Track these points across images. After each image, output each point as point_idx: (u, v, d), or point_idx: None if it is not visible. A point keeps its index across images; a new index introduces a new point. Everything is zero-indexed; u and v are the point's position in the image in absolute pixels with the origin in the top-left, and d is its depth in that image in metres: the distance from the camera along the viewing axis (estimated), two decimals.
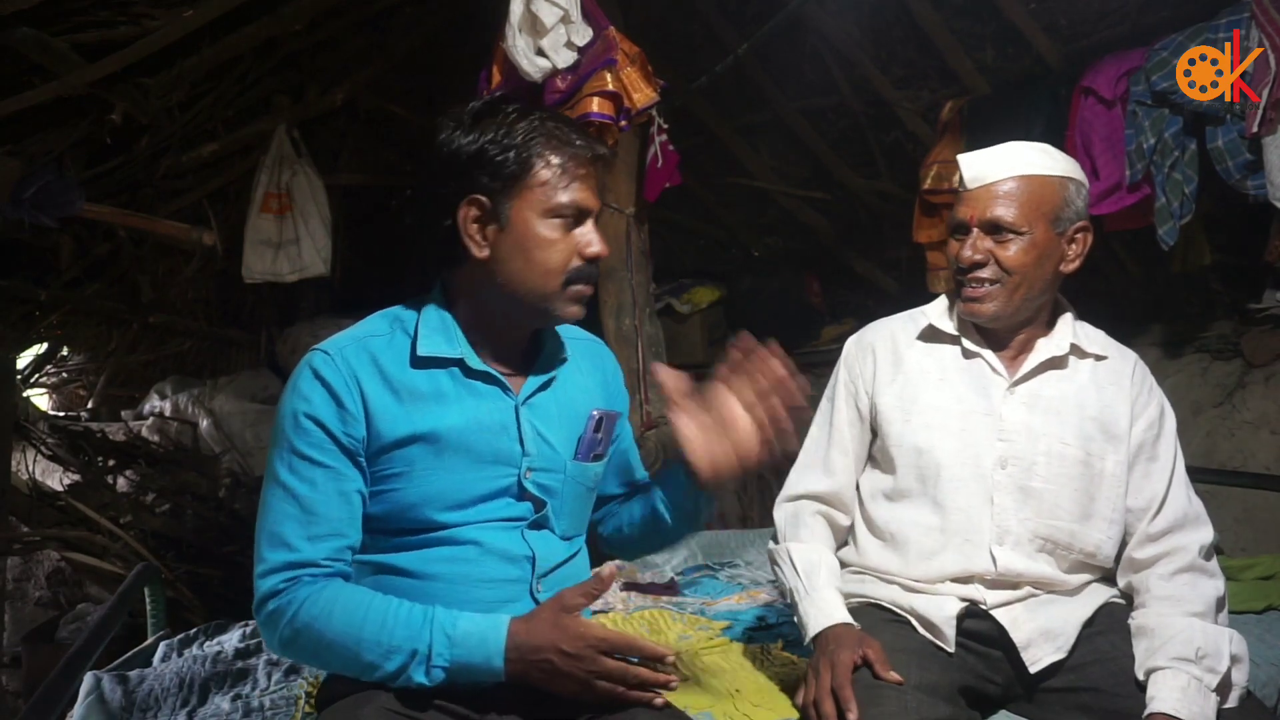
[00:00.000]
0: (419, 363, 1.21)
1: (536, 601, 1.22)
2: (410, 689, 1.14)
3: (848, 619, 1.40)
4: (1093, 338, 1.54)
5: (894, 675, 1.28)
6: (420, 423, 1.18)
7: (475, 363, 1.22)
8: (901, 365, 1.55)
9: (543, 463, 1.25)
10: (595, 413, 1.32)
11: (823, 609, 1.41)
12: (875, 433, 1.56)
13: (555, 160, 1.18)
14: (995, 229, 1.43)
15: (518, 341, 1.29)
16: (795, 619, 1.46)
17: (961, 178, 1.49)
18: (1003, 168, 1.45)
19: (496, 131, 1.17)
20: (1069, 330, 1.51)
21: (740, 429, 1.22)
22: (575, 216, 1.20)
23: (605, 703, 1.13)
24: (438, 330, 1.22)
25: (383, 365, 1.20)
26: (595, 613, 1.96)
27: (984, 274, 1.44)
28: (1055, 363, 1.49)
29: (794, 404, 1.23)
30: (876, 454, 1.57)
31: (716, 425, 1.23)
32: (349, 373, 1.17)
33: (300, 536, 1.15)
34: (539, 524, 1.26)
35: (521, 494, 1.24)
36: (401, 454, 1.18)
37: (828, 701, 1.27)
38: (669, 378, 1.26)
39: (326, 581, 1.15)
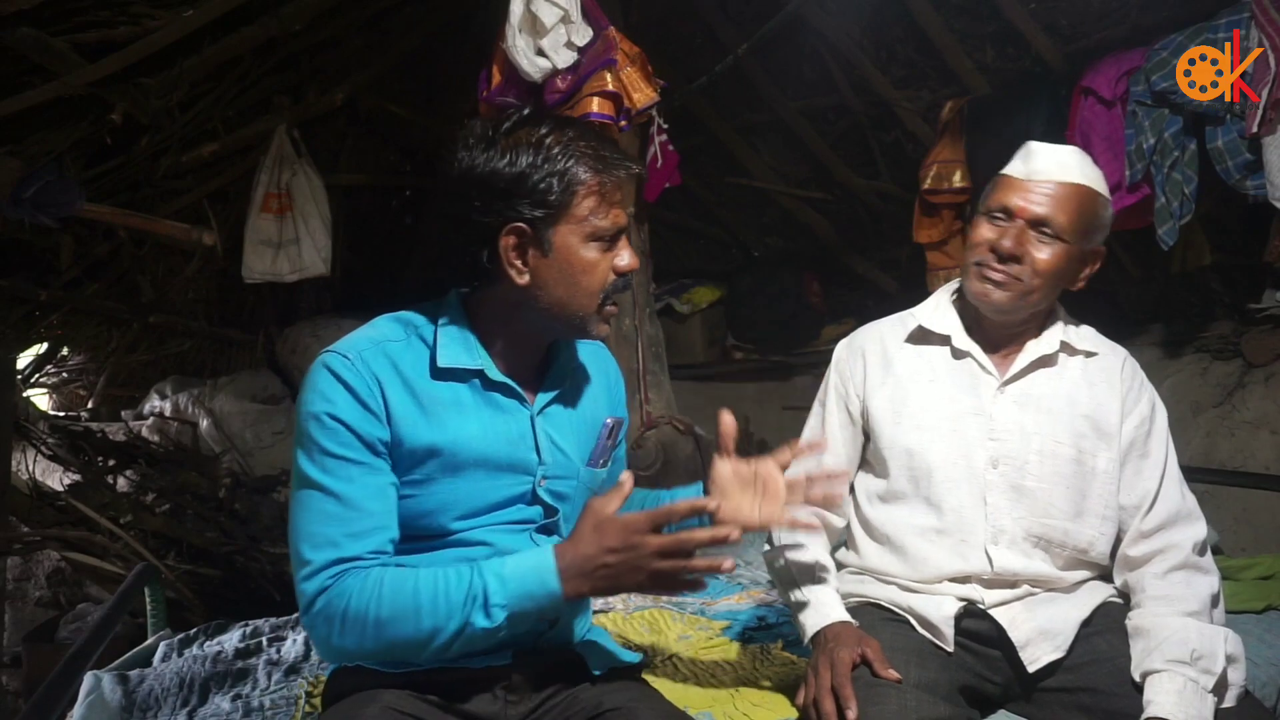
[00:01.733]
0: (439, 373, 1.20)
1: None
2: (419, 683, 1.15)
3: (845, 617, 1.40)
4: (1082, 335, 1.54)
5: (892, 673, 1.28)
6: (441, 432, 1.18)
7: (495, 374, 1.22)
8: (891, 367, 1.55)
9: (557, 470, 1.26)
10: (609, 421, 1.35)
11: (819, 609, 1.41)
12: (868, 436, 1.57)
13: (597, 186, 1.16)
14: (1042, 226, 1.41)
15: (535, 353, 1.29)
16: (794, 621, 1.46)
17: (1020, 162, 1.45)
18: (1070, 171, 1.42)
19: (536, 156, 1.14)
20: (1058, 328, 1.51)
21: (773, 493, 1.28)
22: (613, 237, 1.20)
23: (675, 583, 1.09)
24: (458, 341, 1.22)
25: (403, 371, 1.18)
26: (595, 612, 1.96)
27: (1014, 269, 1.41)
28: (1045, 361, 1.49)
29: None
30: (870, 457, 1.57)
31: (751, 481, 1.29)
32: (369, 375, 1.16)
33: (343, 534, 1.12)
34: (548, 528, 1.26)
35: (534, 500, 1.25)
36: (420, 463, 1.18)
37: (828, 700, 1.27)
38: (728, 426, 1.29)
39: (371, 569, 1.12)
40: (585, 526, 1.09)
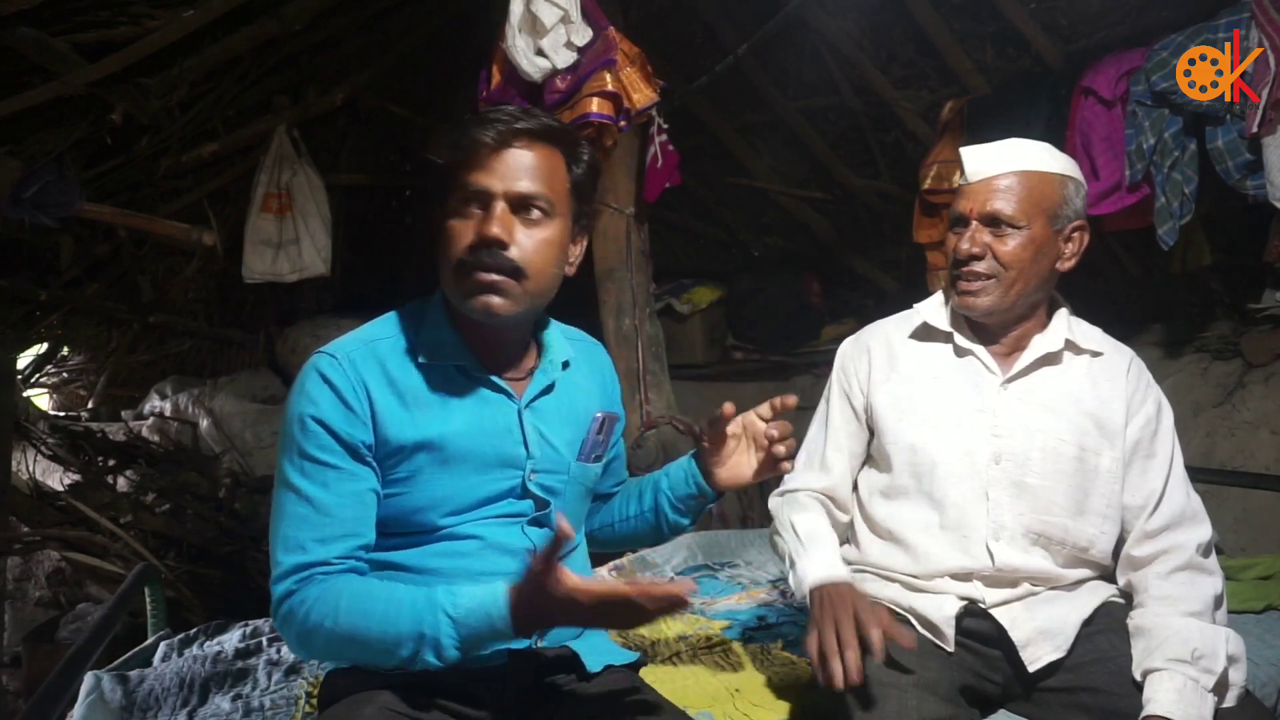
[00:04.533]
0: (424, 369, 1.20)
1: None
2: (416, 683, 1.15)
3: (851, 578, 1.37)
4: (1089, 334, 1.54)
5: (906, 637, 1.26)
6: (426, 429, 1.18)
7: (476, 369, 1.23)
8: (896, 364, 1.56)
9: (546, 465, 1.26)
10: (599, 415, 1.34)
11: (822, 564, 1.38)
12: (872, 432, 1.57)
13: (463, 145, 1.15)
14: (994, 222, 1.44)
15: (515, 346, 1.28)
16: (791, 579, 1.43)
17: (963, 171, 1.49)
18: (1004, 162, 1.46)
19: (442, 141, 1.19)
20: (1064, 326, 1.51)
21: (761, 445, 1.33)
22: (476, 200, 1.15)
23: (629, 623, 1.12)
24: (439, 335, 1.22)
25: (389, 370, 1.19)
26: None
27: (980, 267, 1.45)
28: (1050, 359, 1.50)
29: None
30: (874, 453, 1.57)
31: (742, 438, 1.35)
32: (356, 377, 1.16)
33: (312, 539, 1.14)
34: (540, 521, 1.27)
35: (524, 494, 1.25)
36: (407, 460, 1.18)
37: (848, 627, 1.23)
38: (727, 411, 1.31)
39: (335, 578, 1.14)
40: (530, 590, 1.07)
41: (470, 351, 1.23)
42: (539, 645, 1.24)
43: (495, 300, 1.15)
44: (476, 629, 1.08)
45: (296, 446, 1.16)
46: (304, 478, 1.15)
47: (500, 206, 1.14)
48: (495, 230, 1.12)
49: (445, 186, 1.17)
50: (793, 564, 1.44)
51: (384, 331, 1.23)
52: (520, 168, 1.15)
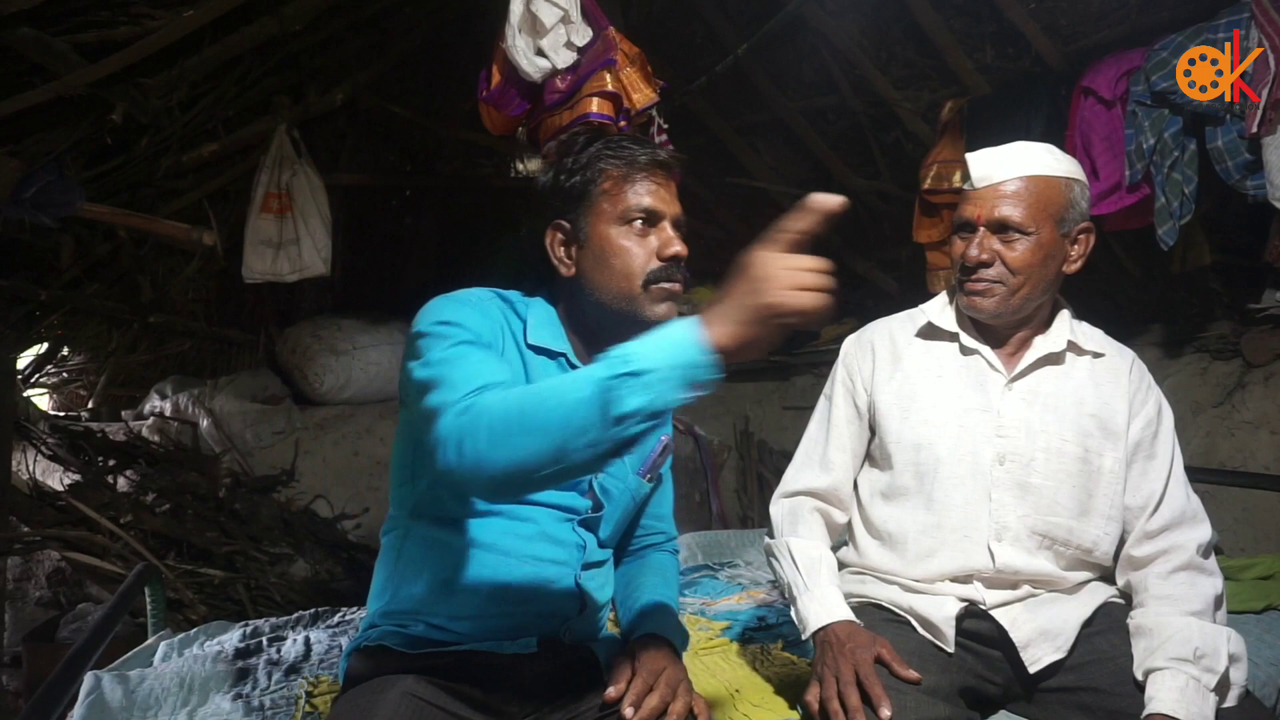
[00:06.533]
0: (530, 348, 1.30)
1: (579, 586, 1.29)
2: (438, 669, 1.18)
3: (851, 616, 1.40)
4: (1090, 335, 1.54)
5: (912, 673, 1.28)
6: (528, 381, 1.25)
7: (576, 361, 1.30)
8: (900, 363, 1.56)
9: (612, 467, 1.33)
10: (664, 438, 1.43)
11: (824, 604, 1.40)
12: (874, 430, 1.57)
13: (616, 170, 1.27)
14: (1002, 229, 1.44)
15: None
16: (793, 613, 1.45)
17: (968, 176, 1.49)
18: (1010, 168, 1.45)
19: (565, 160, 1.30)
20: (1066, 327, 1.51)
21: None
22: (646, 218, 1.26)
23: (804, 291, 0.94)
24: (545, 325, 1.32)
25: (511, 323, 1.29)
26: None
27: (990, 274, 1.45)
28: (1053, 359, 1.50)
29: None
30: (875, 452, 1.57)
31: None
32: (490, 308, 1.26)
33: (477, 379, 1.07)
34: (588, 524, 1.33)
35: (588, 491, 1.31)
36: None
37: (853, 693, 1.25)
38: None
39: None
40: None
41: (569, 345, 1.31)
42: (567, 639, 1.29)
43: (674, 306, 1.27)
44: (663, 341, 0.94)
45: (428, 341, 1.14)
46: (451, 347, 1.13)
47: (670, 225, 1.28)
48: (683, 249, 1.27)
49: (585, 201, 1.27)
50: (793, 599, 1.46)
51: (497, 299, 1.31)
52: (674, 194, 1.31)
